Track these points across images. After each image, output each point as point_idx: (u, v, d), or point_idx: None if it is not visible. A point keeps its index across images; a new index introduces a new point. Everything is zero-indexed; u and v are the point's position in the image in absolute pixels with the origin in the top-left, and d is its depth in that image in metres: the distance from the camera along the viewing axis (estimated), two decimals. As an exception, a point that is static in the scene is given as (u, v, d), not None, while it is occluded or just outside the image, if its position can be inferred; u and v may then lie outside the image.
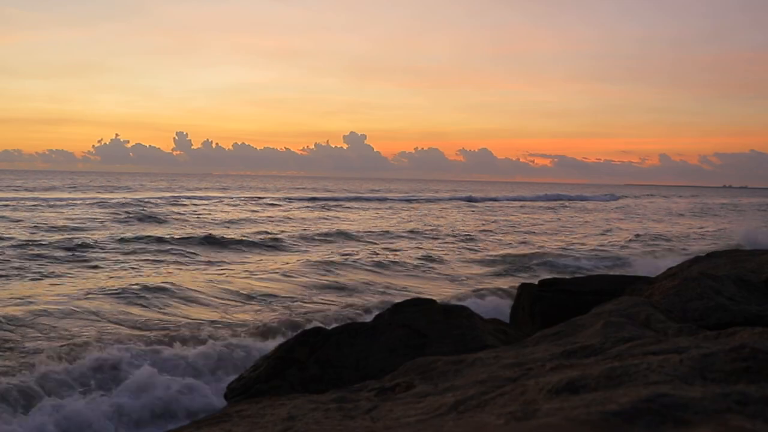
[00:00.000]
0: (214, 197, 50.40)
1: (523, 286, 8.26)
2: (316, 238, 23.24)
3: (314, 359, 5.37)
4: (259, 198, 52.64)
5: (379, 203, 52.77)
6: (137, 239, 19.80)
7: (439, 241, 23.36)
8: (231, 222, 28.93)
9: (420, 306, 5.95)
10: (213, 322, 9.57)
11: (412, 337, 5.51)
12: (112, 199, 45.94)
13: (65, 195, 50.59)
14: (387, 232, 25.89)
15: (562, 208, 51.22)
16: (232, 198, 51.14)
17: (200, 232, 22.78)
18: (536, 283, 8.13)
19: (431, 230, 27.50)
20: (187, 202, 43.44)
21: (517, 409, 2.08)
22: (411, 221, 33.48)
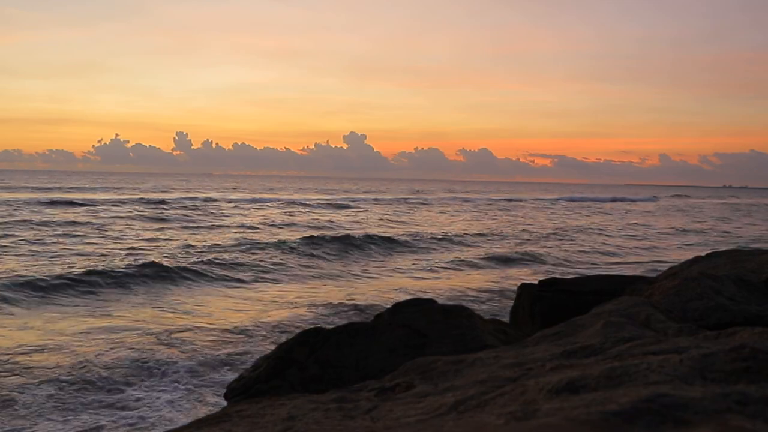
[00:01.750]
0: (327, 201, 52.94)
1: (523, 286, 8.26)
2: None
3: (314, 359, 5.37)
4: (375, 200, 55.34)
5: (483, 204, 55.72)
6: (388, 240, 22.17)
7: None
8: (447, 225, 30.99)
9: (420, 306, 5.94)
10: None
11: (412, 337, 5.51)
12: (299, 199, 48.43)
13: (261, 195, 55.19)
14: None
15: (629, 211, 52.23)
16: (352, 200, 55.10)
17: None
18: (536, 283, 8.13)
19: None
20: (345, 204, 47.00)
21: (517, 409, 2.08)
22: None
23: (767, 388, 1.90)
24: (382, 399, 3.06)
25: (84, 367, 7.67)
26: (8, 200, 38.95)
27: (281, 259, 16.95)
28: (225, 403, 5.42)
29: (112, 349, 8.42)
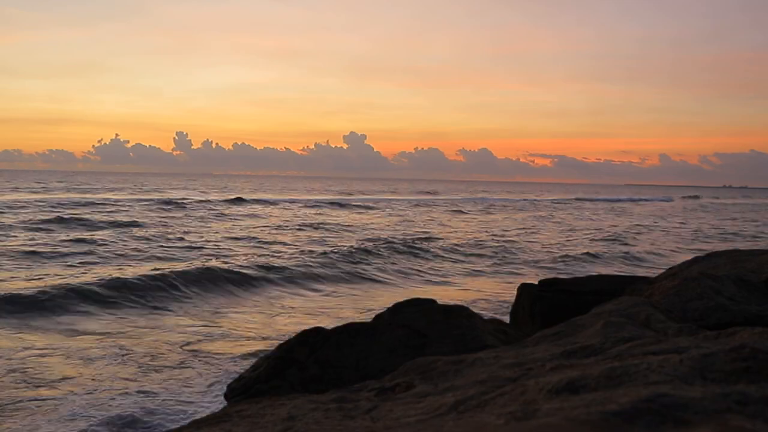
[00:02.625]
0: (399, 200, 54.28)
1: (523, 286, 8.26)
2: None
3: (314, 359, 5.37)
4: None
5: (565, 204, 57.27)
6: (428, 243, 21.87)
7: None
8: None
9: (420, 306, 5.94)
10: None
11: (412, 337, 5.51)
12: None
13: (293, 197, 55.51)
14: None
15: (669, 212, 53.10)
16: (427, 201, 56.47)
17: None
18: (536, 283, 8.12)
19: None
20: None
21: (517, 409, 2.08)
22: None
23: (767, 388, 1.90)
24: (382, 399, 3.06)
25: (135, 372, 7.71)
26: (35, 200, 38.95)
27: (347, 263, 16.80)
28: (225, 403, 5.42)
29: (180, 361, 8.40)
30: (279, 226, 28.02)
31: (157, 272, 13.79)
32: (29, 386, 7.10)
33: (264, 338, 9.50)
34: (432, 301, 6.16)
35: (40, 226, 24.00)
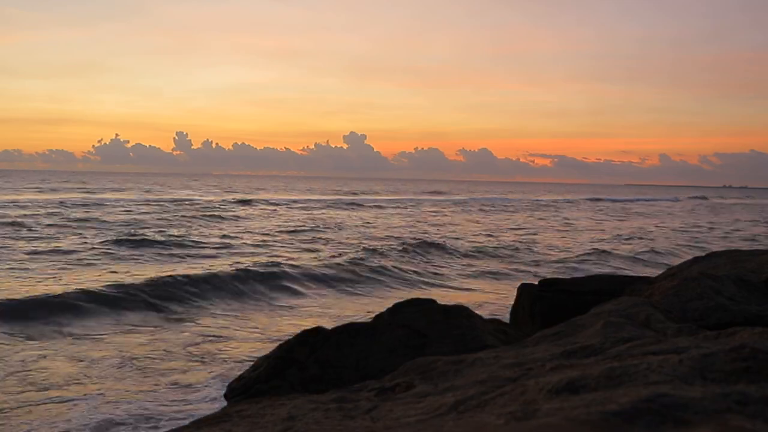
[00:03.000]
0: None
1: (523, 286, 8.26)
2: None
3: (314, 359, 5.37)
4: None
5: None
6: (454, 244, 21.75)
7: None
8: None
9: (420, 306, 5.94)
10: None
11: (412, 337, 5.51)
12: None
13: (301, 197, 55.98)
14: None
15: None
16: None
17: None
18: (536, 283, 8.12)
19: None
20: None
21: (517, 409, 2.08)
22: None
23: (767, 388, 1.90)
24: (382, 399, 3.06)
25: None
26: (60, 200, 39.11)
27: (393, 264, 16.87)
28: (225, 403, 5.42)
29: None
30: (281, 226, 28.02)
31: (160, 273, 13.77)
32: (36, 389, 7.11)
33: (265, 338, 9.50)
34: (432, 301, 6.16)
35: (43, 225, 23.99)
